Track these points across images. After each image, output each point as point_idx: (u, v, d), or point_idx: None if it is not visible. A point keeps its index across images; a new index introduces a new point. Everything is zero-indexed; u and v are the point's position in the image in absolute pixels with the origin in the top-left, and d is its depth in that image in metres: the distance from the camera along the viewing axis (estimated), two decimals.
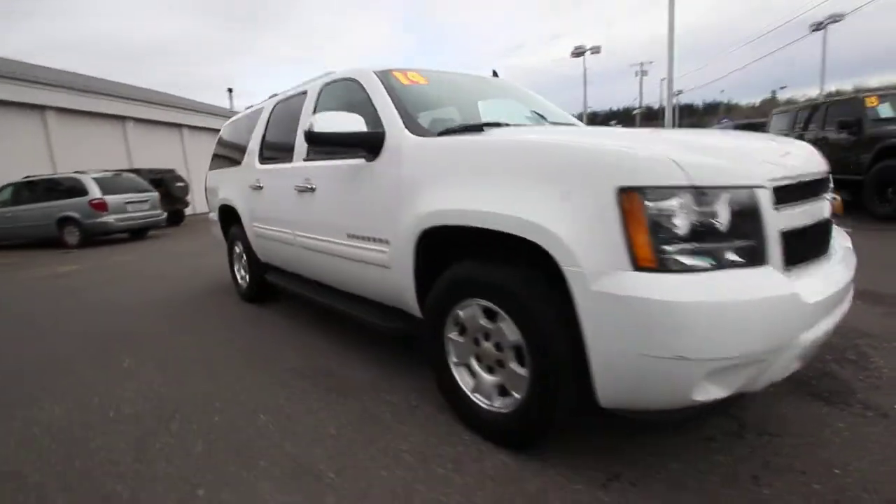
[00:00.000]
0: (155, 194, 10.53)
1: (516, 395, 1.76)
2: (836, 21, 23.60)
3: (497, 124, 2.30)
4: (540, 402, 1.65)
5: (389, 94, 2.40)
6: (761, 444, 1.78)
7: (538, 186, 1.55)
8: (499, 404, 1.85)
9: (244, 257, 4.26)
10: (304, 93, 3.18)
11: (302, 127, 3.06)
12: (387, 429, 2.05)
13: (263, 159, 3.63)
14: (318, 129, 2.24)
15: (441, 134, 2.14)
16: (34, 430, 2.23)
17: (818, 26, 24.01)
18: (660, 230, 1.34)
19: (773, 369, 1.43)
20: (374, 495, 1.63)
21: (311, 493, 1.66)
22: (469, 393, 1.96)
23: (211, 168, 4.91)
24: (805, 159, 1.71)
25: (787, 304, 1.37)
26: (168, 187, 12.03)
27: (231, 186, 4.17)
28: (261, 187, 3.55)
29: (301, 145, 3.04)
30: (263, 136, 3.69)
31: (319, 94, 3.00)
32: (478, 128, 2.22)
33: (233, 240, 4.43)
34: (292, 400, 2.37)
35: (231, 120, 4.73)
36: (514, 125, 2.38)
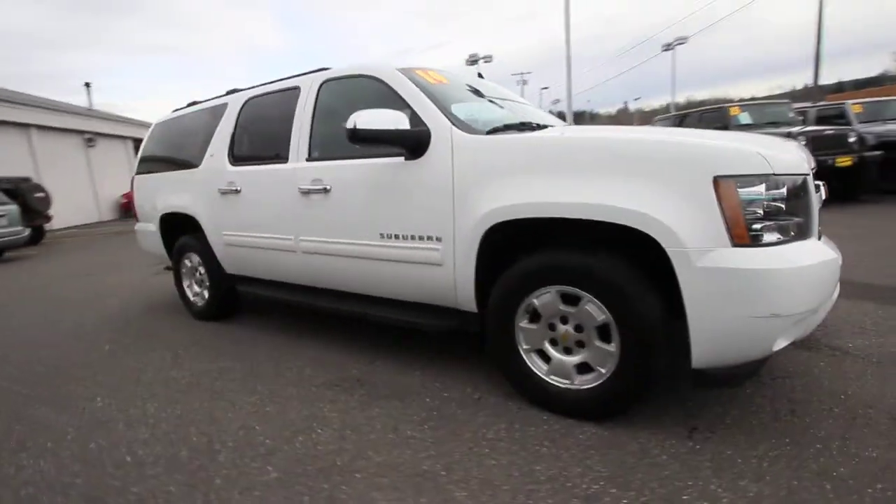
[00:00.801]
0: (14, 207, 8.71)
1: (601, 370, 1.93)
2: (682, 43, 28.42)
3: (530, 125, 2.45)
4: (634, 372, 1.84)
5: (425, 93, 2.41)
6: (779, 386, 2.18)
7: (637, 179, 1.73)
8: (579, 382, 2.00)
9: (201, 271, 3.82)
10: (296, 88, 3.00)
11: (300, 124, 2.88)
12: (464, 422, 2.07)
13: (237, 160, 3.31)
14: (361, 126, 2.17)
15: (490, 132, 2.23)
16: None
17: (668, 46, 28.65)
18: (750, 211, 1.61)
19: (813, 320, 1.79)
20: (497, 482, 1.67)
21: (437, 493, 1.64)
22: (544, 376, 2.08)
23: (139, 172, 4.30)
24: (809, 154, 2.14)
25: (833, 266, 1.73)
26: (25, 198, 10.01)
27: (183, 192, 3.71)
28: (237, 191, 3.23)
29: (300, 144, 2.86)
30: (233, 135, 3.37)
31: (319, 90, 2.86)
32: (520, 127, 2.35)
33: (182, 253, 3.95)
34: (344, 412, 2.25)
35: (167, 117, 4.20)
36: (546, 125, 2.55)
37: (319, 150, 2.81)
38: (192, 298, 4.01)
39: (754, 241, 1.62)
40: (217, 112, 3.58)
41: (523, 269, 2.03)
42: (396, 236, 2.43)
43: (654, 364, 1.81)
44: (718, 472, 1.63)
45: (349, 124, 2.20)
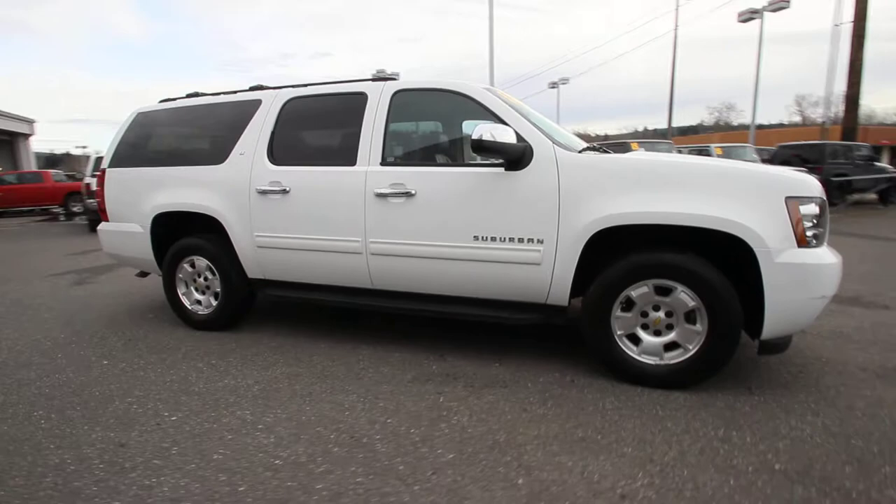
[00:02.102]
0: None
1: (689, 347, 2.41)
2: (565, 83, 32.31)
3: (598, 147, 2.91)
4: (718, 347, 2.35)
5: (519, 112, 2.72)
6: (784, 356, 2.89)
7: (730, 196, 2.26)
8: (667, 358, 2.46)
9: (207, 276, 3.52)
10: (361, 94, 3.05)
11: (371, 129, 2.95)
12: (578, 399, 2.39)
13: (280, 160, 3.20)
14: (487, 138, 2.42)
15: (581, 151, 2.63)
16: None
17: (553, 84, 32.36)
18: (807, 222, 2.24)
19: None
20: (647, 438, 2.02)
21: (608, 451, 1.94)
22: (636, 356, 2.50)
23: (113, 164, 3.79)
24: None
25: (840, 266, 2.44)
26: None
27: (197, 189, 3.41)
28: (284, 191, 3.12)
29: (372, 149, 2.93)
30: (273, 134, 3.24)
31: (391, 100, 2.97)
32: (594, 148, 2.79)
33: (181, 256, 3.58)
34: (462, 400, 2.41)
35: (157, 107, 3.79)
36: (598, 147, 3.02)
37: (397, 155, 2.91)
38: (189, 306, 3.64)
39: (808, 244, 2.25)
40: (245, 108, 3.39)
41: (626, 267, 2.44)
42: (493, 238, 2.67)
43: (733, 339, 2.34)
44: (788, 413, 2.20)
45: (475, 135, 2.42)
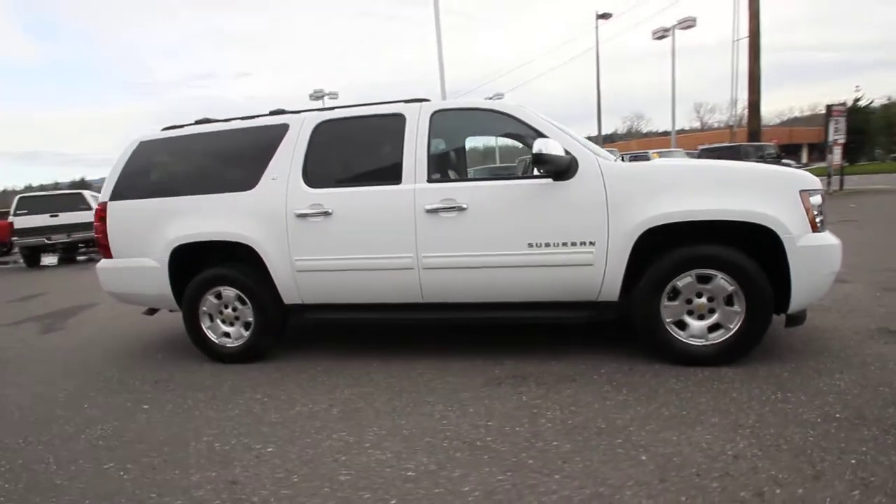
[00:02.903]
0: None
1: (729, 327, 2.75)
2: (500, 97, 33.95)
3: (622, 156, 3.22)
4: (755, 325, 2.70)
5: (558, 128, 2.96)
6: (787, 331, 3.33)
7: (756, 192, 2.64)
8: (711, 338, 2.77)
9: (236, 306, 3.40)
10: (399, 115, 3.15)
11: (414, 149, 3.05)
12: (646, 385, 2.62)
13: (317, 183, 3.19)
14: (546, 152, 2.64)
15: (620, 160, 2.93)
16: None
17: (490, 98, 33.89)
18: (815, 211, 2.66)
19: None
20: (724, 408, 2.29)
21: (698, 424, 2.18)
22: (685, 340, 2.80)
23: (116, 197, 3.56)
24: None
25: (841, 246, 2.89)
26: None
27: (225, 217, 3.31)
28: (325, 213, 3.13)
29: (417, 167, 3.03)
30: (306, 157, 3.24)
31: (431, 119, 3.10)
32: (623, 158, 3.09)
33: (206, 288, 3.42)
34: (544, 398, 2.57)
35: (162, 136, 3.63)
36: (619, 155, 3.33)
37: (443, 172, 3.05)
38: (216, 340, 3.48)
39: (818, 229, 2.68)
40: (271, 133, 3.36)
41: (673, 260, 2.74)
42: (547, 244, 2.87)
43: (767, 316, 2.71)
44: (820, 374, 2.58)
45: (535, 150, 2.65)
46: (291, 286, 3.29)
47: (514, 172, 5.84)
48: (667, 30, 17.94)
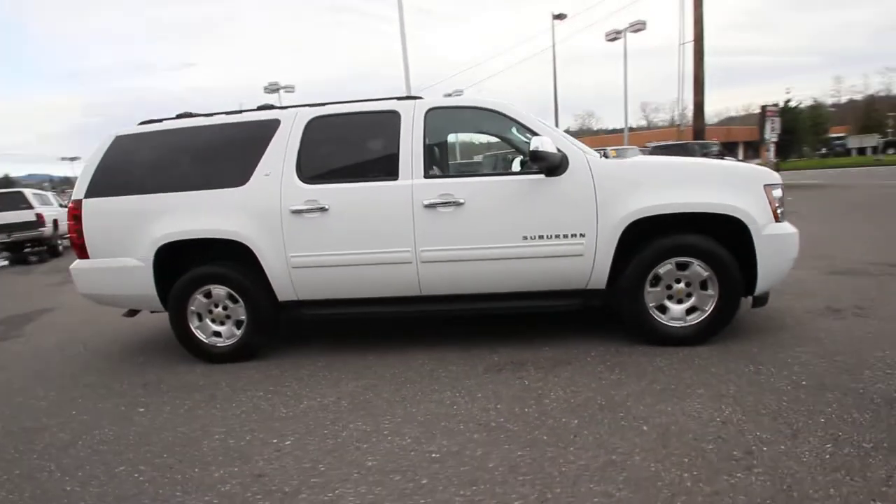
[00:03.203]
0: None
1: (704, 309, 3.01)
2: (459, 94, 34.10)
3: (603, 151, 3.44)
4: (727, 307, 2.98)
5: (547, 126, 3.12)
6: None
7: (727, 187, 2.91)
8: (689, 320, 3.04)
9: (232, 304, 3.35)
10: (393, 112, 3.20)
11: (410, 145, 3.12)
12: (636, 365, 2.84)
13: (312, 179, 3.20)
14: (542, 149, 2.80)
15: (603, 157, 3.13)
16: None
17: (449, 95, 33.92)
18: (777, 203, 2.97)
19: None
20: (713, 383, 2.54)
21: (689, 397, 2.41)
22: (666, 322, 3.05)
23: (93, 194, 3.41)
24: None
25: (798, 234, 3.22)
26: None
27: (216, 215, 3.25)
28: (322, 209, 3.14)
29: (414, 163, 3.10)
30: (300, 153, 3.23)
31: (425, 117, 3.17)
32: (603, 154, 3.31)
33: (194, 287, 3.35)
34: (543, 380, 2.74)
35: (141, 130, 3.50)
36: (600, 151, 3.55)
37: (439, 168, 3.14)
38: (206, 340, 3.42)
39: (779, 219, 2.99)
40: (261, 128, 3.32)
41: (656, 249, 2.97)
42: (541, 236, 3.03)
43: (737, 298, 2.99)
44: (783, 347, 2.89)
45: (533, 147, 2.80)
46: (286, 283, 3.29)
47: (486, 168, 6.00)
48: (619, 32, 18.81)
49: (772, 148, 18.36)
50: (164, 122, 3.56)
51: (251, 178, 3.26)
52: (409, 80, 12.14)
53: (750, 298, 3.11)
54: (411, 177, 3.12)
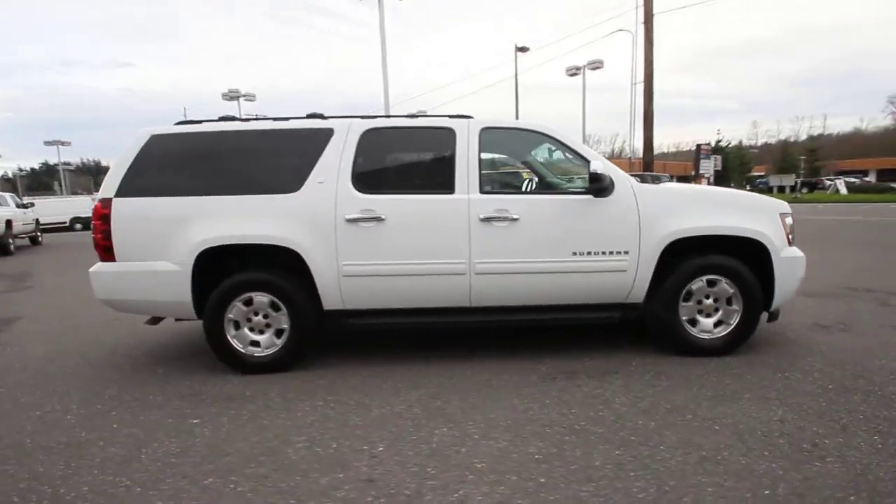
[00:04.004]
0: None
1: (729, 323, 3.34)
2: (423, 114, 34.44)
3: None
4: (749, 322, 3.31)
5: (590, 150, 3.37)
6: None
7: (750, 214, 3.28)
8: (717, 332, 3.34)
9: (274, 312, 3.26)
10: (448, 129, 3.32)
11: (465, 161, 3.25)
12: (676, 374, 3.08)
13: (368, 188, 3.23)
14: (601, 172, 3.05)
15: (641, 181, 3.42)
16: None
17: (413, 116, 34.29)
18: (789, 229, 3.38)
19: None
20: (746, 384, 2.81)
21: (732, 401, 2.66)
22: (696, 335, 3.33)
23: (126, 193, 3.23)
24: None
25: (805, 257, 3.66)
26: None
27: (266, 219, 3.18)
28: (378, 219, 3.17)
29: (470, 178, 3.23)
30: (355, 164, 3.26)
31: (480, 136, 3.32)
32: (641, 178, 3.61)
33: (234, 294, 3.23)
34: (596, 388, 2.90)
35: (180, 131, 3.37)
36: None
37: (493, 184, 3.28)
38: (243, 350, 3.28)
39: (791, 244, 3.40)
40: (315, 136, 3.32)
41: (691, 267, 3.27)
42: (588, 252, 3.24)
43: (758, 313, 3.34)
44: (798, 357, 3.25)
45: (593, 169, 3.04)
46: (335, 291, 3.26)
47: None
48: (578, 68, 20.18)
49: (704, 182, 20.28)
50: (204, 123, 3.46)
51: (304, 185, 3.23)
52: (388, 96, 12.24)
53: (765, 314, 3.48)
54: (467, 191, 3.24)
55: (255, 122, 3.46)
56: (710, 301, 3.36)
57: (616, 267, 3.27)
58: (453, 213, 3.22)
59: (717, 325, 3.37)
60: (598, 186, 3.19)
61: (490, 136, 3.42)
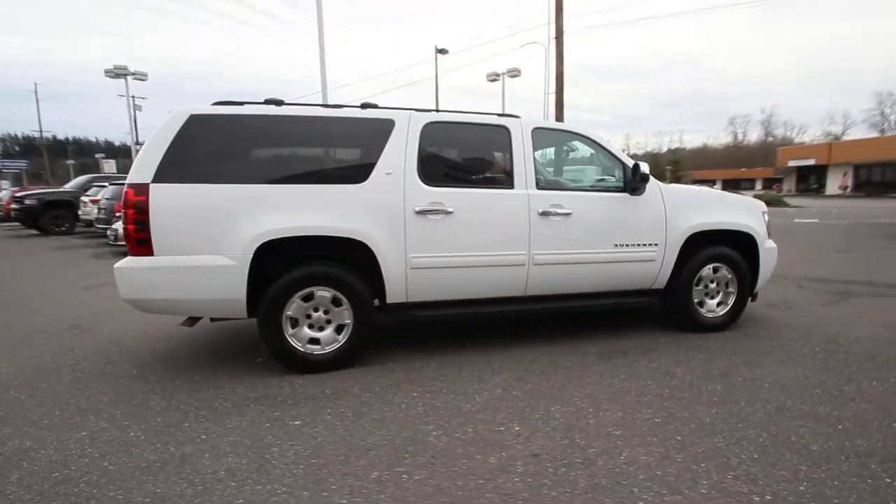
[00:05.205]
0: None
1: (728, 303, 3.98)
2: None
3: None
4: (741, 302, 3.98)
5: (623, 153, 3.77)
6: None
7: (742, 211, 3.94)
8: (719, 312, 3.96)
9: (335, 309, 3.13)
10: (503, 127, 3.48)
11: (522, 158, 3.44)
12: (702, 346, 3.60)
13: (434, 181, 3.25)
14: (645, 172, 3.44)
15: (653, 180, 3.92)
16: None
17: None
18: (767, 225, 4.12)
19: None
20: (753, 352, 3.41)
21: (753, 366, 3.23)
22: (705, 314, 3.92)
23: (165, 179, 2.87)
24: None
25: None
26: None
27: (333, 210, 3.04)
28: (447, 212, 3.22)
29: (527, 174, 3.43)
30: (419, 156, 3.26)
31: (532, 135, 3.53)
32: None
33: (294, 290, 3.04)
34: (656, 363, 3.30)
35: (219, 112, 3.06)
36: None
37: (546, 181, 3.51)
38: (301, 348, 3.10)
39: (770, 237, 4.14)
40: (375, 127, 3.24)
41: (703, 257, 3.83)
42: (627, 244, 3.63)
43: (748, 295, 4.02)
44: (780, 328, 3.99)
45: (643, 170, 3.41)
46: (401, 284, 3.24)
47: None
48: (498, 74, 21.24)
49: None
50: (247, 105, 3.19)
51: (371, 176, 3.16)
52: (326, 90, 11.70)
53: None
54: (526, 187, 3.44)
55: (306, 108, 3.27)
56: (714, 285, 3.97)
57: (648, 257, 3.71)
58: (516, 208, 3.39)
59: (718, 305, 4.00)
60: (635, 185, 3.61)
61: (540, 136, 3.65)
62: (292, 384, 2.97)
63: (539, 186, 3.49)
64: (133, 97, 30.15)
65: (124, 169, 29.49)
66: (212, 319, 3.27)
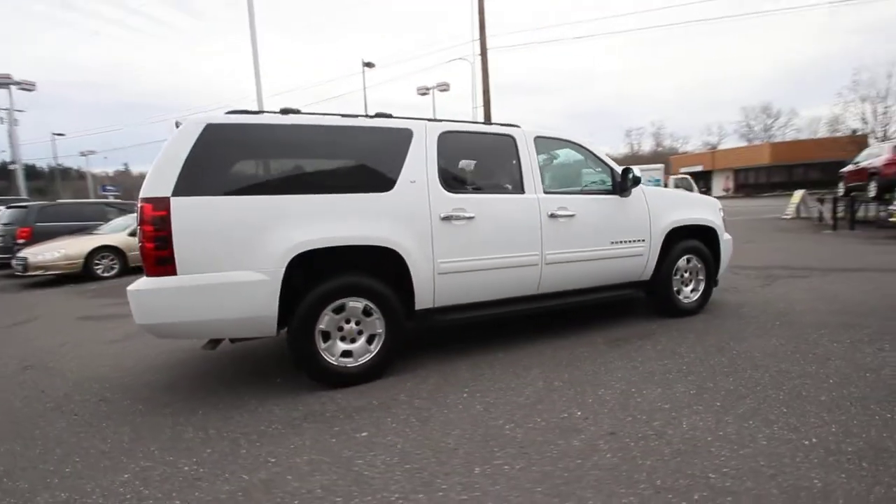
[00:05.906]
0: None
1: (699, 289, 4.49)
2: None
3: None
4: (709, 288, 4.51)
5: (608, 159, 4.14)
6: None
7: (708, 210, 4.49)
8: (692, 299, 4.45)
9: (366, 319, 3.09)
10: (509, 136, 3.67)
11: (529, 165, 3.66)
12: (690, 328, 4.03)
13: (453, 188, 3.35)
14: (639, 175, 3.81)
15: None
16: None
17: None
18: (722, 219, 4.73)
19: None
20: (729, 334, 3.91)
21: (741, 340, 3.71)
22: (683, 300, 4.39)
23: (187, 191, 2.68)
24: None
25: None
26: None
27: (362, 219, 3.01)
28: (469, 217, 3.32)
29: (535, 180, 3.65)
30: (438, 164, 3.33)
31: (535, 142, 3.77)
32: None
33: (325, 304, 2.96)
34: (661, 345, 3.63)
35: (257, 122, 2.93)
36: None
37: (550, 185, 3.75)
38: (334, 362, 3.01)
39: (726, 230, 4.75)
40: (395, 136, 3.27)
41: (679, 249, 4.29)
42: (620, 241, 3.98)
43: (714, 282, 4.56)
44: (744, 306, 4.58)
45: (636, 173, 3.77)
46: (429, 290, 3.28)
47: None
48: (428, 88, 21.65)
49: None
50: (264, 115, 3.07)
51: (397, 184, 3.18)
52: (262, 97, 11.16)
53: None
54: (535, 191, 3.66)
55: (326, 117, 3.21)
56: (687, 275, 4.47)
57: (637, 252, 4.10)
58: (529, 211, 3.59)
59: (692, 291, 4.50)
60: (624, 187, 3.98)
61: (541, 144, 3.90)
62: (333, 399, 2.88)
63: (546, 191, 3.74)
64: (7, 110, 26.49)
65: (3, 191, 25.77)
66: (232, 341, 3.06)
